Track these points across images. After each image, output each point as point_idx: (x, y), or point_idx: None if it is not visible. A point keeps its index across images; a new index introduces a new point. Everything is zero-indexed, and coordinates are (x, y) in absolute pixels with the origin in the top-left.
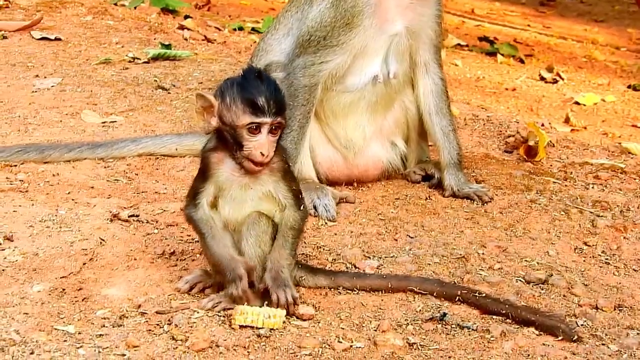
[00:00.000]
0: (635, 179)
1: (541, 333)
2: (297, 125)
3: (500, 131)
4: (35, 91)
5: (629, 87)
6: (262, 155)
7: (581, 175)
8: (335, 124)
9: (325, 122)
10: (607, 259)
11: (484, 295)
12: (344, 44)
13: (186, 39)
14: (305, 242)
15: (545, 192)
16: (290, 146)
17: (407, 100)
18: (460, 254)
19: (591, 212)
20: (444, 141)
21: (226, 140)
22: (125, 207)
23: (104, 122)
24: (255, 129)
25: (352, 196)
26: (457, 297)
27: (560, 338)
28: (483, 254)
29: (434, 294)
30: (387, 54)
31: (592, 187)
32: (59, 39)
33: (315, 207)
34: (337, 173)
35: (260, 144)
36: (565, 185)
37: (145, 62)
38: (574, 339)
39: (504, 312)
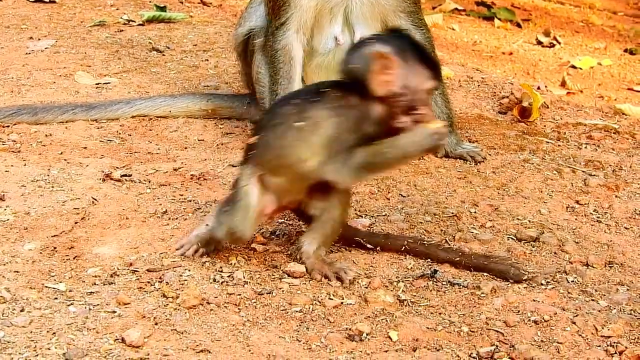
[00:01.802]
0: (627, 139)
1: (530, 286)
2: (281, 88)
3: (495, 92)
4: (29, 53)
5: (625, 51)
6: None
7: (574, 135)
8: None
9: None
10: (598, 217)
11: (434, 243)
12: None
13: (182, 2)
14: None
15: (538, 152)
16: None
17: None
18: (452, 213)
19: (583, 172)
20: (433, 106)
21: None
22: (117, 167)
23: (97, 84)
24: None
25: None
26: (403, 247)
27: (511, 281)
28: (475, 212)
29: (380, 247)
30: (347, 16)
31: (585, 147)
32: (54, 2)
33: None
34: None
35: None
36: (559, 145)
37: (140, 25)
38: (523, 279)
39: (456, 259)
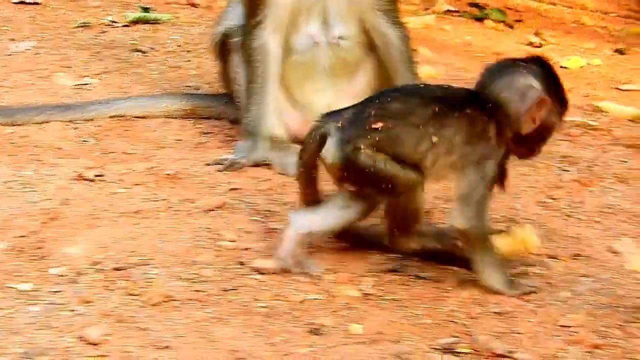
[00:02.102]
0: (605, 136)
1: None
2: (257, 86)
3: None
4: (9, 54)
5: (615, 51)
6: None
7: None
8: (295, 89)
9: (289, 87)
10: (570, 211)
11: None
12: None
13: (168, 3)
14: (273, 200)
15: None
16: (254, 108)
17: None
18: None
19: (558, 167)
20: None
21: None
22: (91, 167)
23: (77, 85)
24: None
25: None
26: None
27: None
28: (447, 208)
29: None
30: (324, 14)
31: (562, 143)
32: (37, 3)
33: (283, 166)
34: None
35: None
36: None
37: (124, 26)
38: None
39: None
